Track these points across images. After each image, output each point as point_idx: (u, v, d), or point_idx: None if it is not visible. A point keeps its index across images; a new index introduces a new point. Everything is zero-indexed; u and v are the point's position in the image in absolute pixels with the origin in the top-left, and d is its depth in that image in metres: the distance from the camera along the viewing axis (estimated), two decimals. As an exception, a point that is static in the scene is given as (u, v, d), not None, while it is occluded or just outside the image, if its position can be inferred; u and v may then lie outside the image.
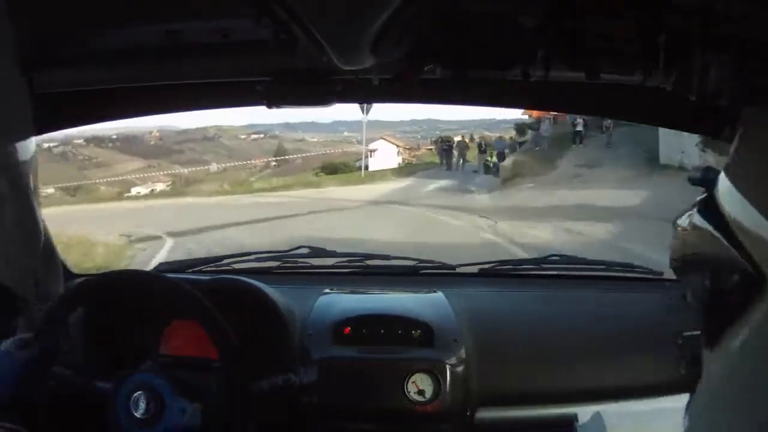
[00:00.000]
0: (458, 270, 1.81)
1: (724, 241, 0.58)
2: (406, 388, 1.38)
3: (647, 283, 1.78)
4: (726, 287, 0.60)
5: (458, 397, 1.40)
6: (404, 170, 22.71)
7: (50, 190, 20.26)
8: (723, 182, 0.62)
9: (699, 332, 1.44)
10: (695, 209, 0.64)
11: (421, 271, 1.80)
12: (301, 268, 1.80)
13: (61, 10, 0.91)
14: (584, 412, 1.06)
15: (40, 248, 0.61)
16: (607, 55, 0.97)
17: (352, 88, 1.26)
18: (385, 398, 1.40)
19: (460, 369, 1.41)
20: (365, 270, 1.82)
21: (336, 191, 17.64)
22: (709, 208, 0.62)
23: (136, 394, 1.19)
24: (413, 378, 1.38)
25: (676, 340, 1.49)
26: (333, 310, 1.52)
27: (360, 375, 1.41)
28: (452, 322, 1.50)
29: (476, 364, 1.44)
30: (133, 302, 1.36)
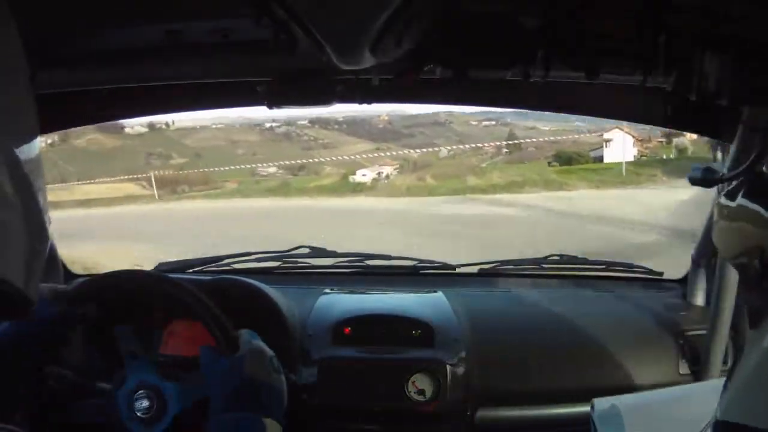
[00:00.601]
0: (458, 270, 1.81)
1: None
2: (407, 388, 1.38)
3: (647, 283, 1.78)
4: None
5: (458, 396, 1.40)
6: (672, 167, 14.81)
7: (272, 169, 19.22)
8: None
9: (699, 332, 1.45)
10: (742, 190, 0.68)
11: (421, 271, 1.80)
12: (301, 268, 1.80)
13: (60, 10, 0.91)
14: (600, 403, 1.06)
15: (46, 250, 0.60)
16: (607, 55, 0.97)
17: (352, 88, 1.26)
18: (385, 398, 1.40)
19: (460, 369, 1.41)
20: (365, 270, 1.82)
21: (592, 197, 11.50)
22: (759, 190, 0.66)
23: (137, 394, 1.19)
24: (413, 378, 1.38)
25: (676, 340, 1.49)
26: (333, 310, 1.52)
27: (360, 375, 1.41)
28: (452, 322, 1.49)
29: (476, 363, 1.44)
30: (134, 302, 1.36)
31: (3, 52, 0.53)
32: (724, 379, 0.71)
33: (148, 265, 1.79)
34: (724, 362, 1.40)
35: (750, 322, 0.67)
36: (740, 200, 0.68)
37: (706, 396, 0.93)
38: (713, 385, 0.92)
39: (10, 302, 0.54)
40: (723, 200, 0.70)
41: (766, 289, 0.65)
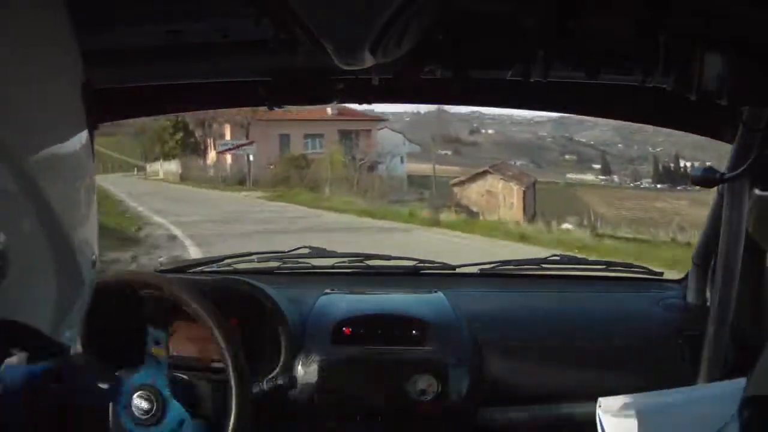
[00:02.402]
0: (458, 270, 1.81)
1: None
2: (407, 388, 1.38)
3: (647, 283, 1.78)
4: None
5: (459, 396, 1.40)
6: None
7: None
8: None
9: (699, 332, 1.45)
10: None
11: (421, 271, 1.80)
12: (301, 268, 1.80)
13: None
14: (607, 402, 1.05)
15: (87, 291, 0.58)
16: (607, 55, 0.97)
17: (352, 88, 1.26)
18: (385, 398, 1.40)
19: (460, 369, 1.41)
20: (365, 270, 1.82)
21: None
22: None
23: (136, 394, 1.19)
24: (414, 378, 1.38)
25: (676, 340, 1.49)
26: (333, 310, 1.52)
27: (360, 375, 1.41)
28: (453, 322, 1.49)
29: (476, 363, 1.44)
30: (135, 302, 1.36)
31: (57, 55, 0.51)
32: (733, 381, 0.70)
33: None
34: (725, 362, 1.40)
35: None
36: None
37: (715, 397, 0.93)
38: (723, 387, 0.91)
39: (38, 346, 0.52)
40: (758, 192, 0.70)
41: None
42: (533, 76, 1.02)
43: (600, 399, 1.03)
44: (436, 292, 1.61)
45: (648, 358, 1.49)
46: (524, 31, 0.96)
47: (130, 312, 1.36)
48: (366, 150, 25.66)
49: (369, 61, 0.95)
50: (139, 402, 1.19)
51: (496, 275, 1.80)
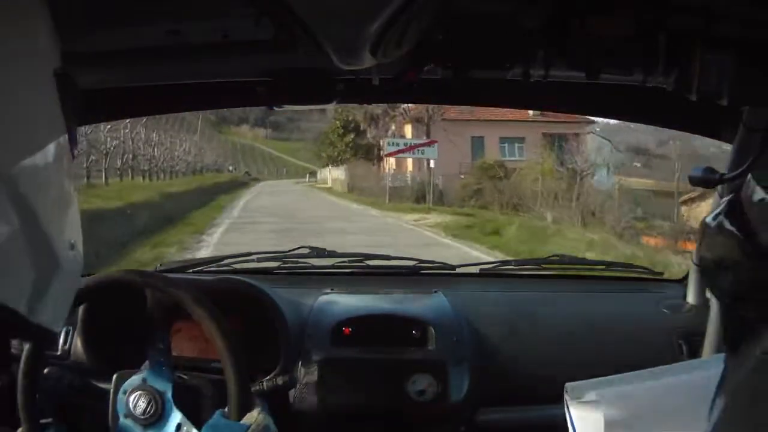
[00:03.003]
0: (458, 270, 1.81)
1: (749, 245, 0.61)
2: (406, 389, 1.38)
3: (647, 283, 1.78)
4: (750, 291, 0.62)
5: (458, 397, 1.40)
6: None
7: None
8: (749, 184, 0.64)
9: (699, 332, 1.45)
10: (723, 210, 0.67)
11: (421, 271, 1.80)
12: (301, 268, 1.80)
13: (56, 9, 0.91)
14: (574, 387, 1.03)
15: (66, 272, 0.57)
16: (607, 55, 0.97)
17: (353, 88, 1.26)
18: (385, 398, 1.40)
19: (460, 369, 1.41)
20: (365, 270, 1.82)
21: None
22: (736, 210, 0.65)
23: (135, 394, 1.19)
24: (413, 378, 1.38)
25: (676, 340, 1.49)
26: (333, 311, 1.52)
27: (360, 375, 1.41)
28: (452, 322, 1.49)
29: (476, 364, 1.44)
30: (135, 302, 1.36)
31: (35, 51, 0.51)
32: (704, 360, 0.70)
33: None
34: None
35: (729, 348, 0.66)
36: (721, 219, 0.67)
37: (685, 375, 0.93)
38: (696, 366, 0.91)
39: (22, 329, 0.52)
40: (708, 219, 0.70)
41: (739, 316, 0.64)
42: (533, 76, 1.02)
43: (566, 384, 1.02)
44: (436, 292, 1.61)
45: (648, 358, 1.48)
46: (524, 31, 0.96)
47: (130, 312, 1.36)
48: (577, 158, 19.76)
49: (369, 61, 0.95)
50: (138, 402, 1.18)
51: (496, 275, 1.80)
